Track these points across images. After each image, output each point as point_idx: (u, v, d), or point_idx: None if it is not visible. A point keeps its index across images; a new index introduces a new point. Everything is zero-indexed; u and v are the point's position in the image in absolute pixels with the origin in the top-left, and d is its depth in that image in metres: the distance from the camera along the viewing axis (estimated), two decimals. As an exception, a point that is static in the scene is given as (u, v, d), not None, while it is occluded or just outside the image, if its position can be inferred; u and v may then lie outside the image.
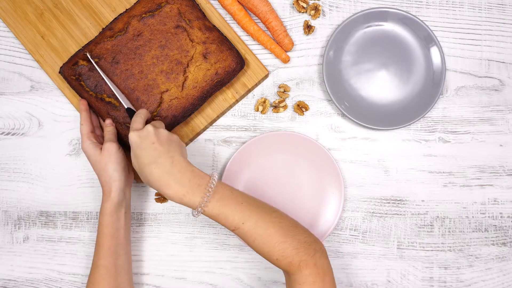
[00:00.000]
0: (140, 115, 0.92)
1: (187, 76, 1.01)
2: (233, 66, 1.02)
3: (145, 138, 0.87)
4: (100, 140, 1.00)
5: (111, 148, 0.96)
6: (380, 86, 1.07)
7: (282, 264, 0.86)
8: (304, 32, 1.08)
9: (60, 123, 1.07)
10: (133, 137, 0.87)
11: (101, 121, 1.03)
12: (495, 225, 1.06)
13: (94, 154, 0.96)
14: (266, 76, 1.08)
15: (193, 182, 0.85)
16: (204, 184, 0.86)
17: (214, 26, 1.03)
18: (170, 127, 1.02)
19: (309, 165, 1.06)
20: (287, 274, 0.87)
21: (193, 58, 1.01)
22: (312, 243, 0.87)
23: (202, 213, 0.85)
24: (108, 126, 0.99)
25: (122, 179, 0.96)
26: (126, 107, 0.96)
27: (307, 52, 1.08)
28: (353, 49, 1.07)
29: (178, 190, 0.84)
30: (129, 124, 1.00)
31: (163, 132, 0.89)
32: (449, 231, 1.06)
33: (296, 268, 0.85)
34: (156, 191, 1.06)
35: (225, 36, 1.03)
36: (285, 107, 1.07)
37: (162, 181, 0.84)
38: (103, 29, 1.03)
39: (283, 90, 1.07)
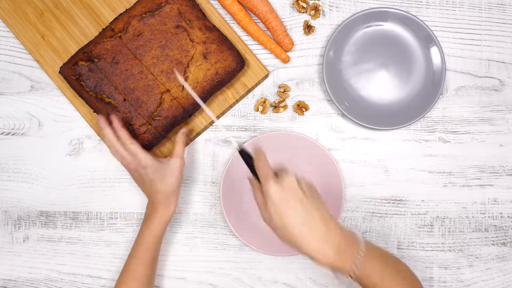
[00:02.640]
0: (266, 159, 0.80)
1: (187, 76, 1.01)
2: (233, 66, 1.02)
3: (291, 192, 0.77)
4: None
5: (182, 163, 0.97)
6: (380, 86, 1.07)
7: None
8: (304, 32, 1.08)
9: (60, 123, 1.07)
10: (277, 191, 0.77)
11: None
12: (495, 225, 1.06)
13: (159, 168, 0.96)
14: (266, 76, 1.08)
15: (343, 247, 0.78)
16: (355, 250, 0.79)
17: (214, 26, 1.03)
18: (170, 127, 1.02)
19: (309, 165, 1.06)
20: None
21: (193, 58, 1.01)
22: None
23: (353, 278, 0.79)
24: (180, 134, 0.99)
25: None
26: (239, 149, 0.84)
27: (307, 52, 1.08)
28: (353, 49, 1.07)
29: (331, 258, 0.77)
30: (128, 125, 1.00)
31: (305, 182, 0.79)
32: (449, 231, 1.06)
33: None
34: None
35: (225, 36, 1.03)
36: (285, 107, 1.07)
37: (315, 247, 0.77)
38: (103, 29, 1.03)
39: (283, 90, 1.07)
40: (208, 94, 1.02)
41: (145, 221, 0.99)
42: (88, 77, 1.01)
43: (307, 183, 0.80)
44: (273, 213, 0.78)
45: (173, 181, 0.96)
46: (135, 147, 0.95)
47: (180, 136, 0.99)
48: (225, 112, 1.07)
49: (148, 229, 0.97)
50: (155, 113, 1.00)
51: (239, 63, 1.02)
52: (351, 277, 0.79)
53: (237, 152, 1.04)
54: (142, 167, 0.95)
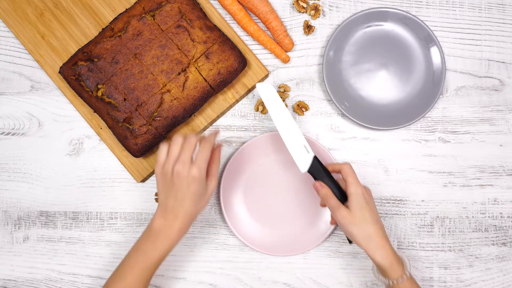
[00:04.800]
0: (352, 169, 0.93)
1: (188, 76, 1.01)
2: (235, 66, 1.02)
3: (371, 198, 0.92)
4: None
5: (216, 185, 0.93)
6: (380, 86, 1.07)
7: None
8: (304, 32, 1.08)
9: (60, 123, 1.07)
10: (362, 193, 0.90)
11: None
12: (495, 225, 1.06)
13: (201, 187, 0.89)
14: (266, 76, 1.08)
15: (396, 259, 0.90)
16: (402, 268, 0.90)
17: (215, 26, 1.03)
18: (170, 127, 1.02)
19: (309, 165, 1.06)
20: None
21: (195, 57, 1.01)
22: None
23: (395, 284, 0.89)
24: None
25: None
26: (313, 155, 0.94)
27: (307, 52, 1.08)
28: (353, 49, 1.07)
29: (391, 255, 0.89)
30: (128, 125, 1.00)
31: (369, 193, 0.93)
32: (449, 231, 1.06)
33: None
34: (155, 196, 1.06)
35: (226, 36, 1.03)
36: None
37: (380, 242, 0.89)
38: (103, 29, 1.03)
39: (283, 90, 1.07)
40: (209, 95, 1.02)
41: (152, 235, 0.90)
42: (88, 77, 1.00)
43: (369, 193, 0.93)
44: (357, 209, 0.90)
45: (204, 204, 0.90)
46: (206, 156, 0.88)
47: (217, 153, 0.92)
48: (225, 112, 1.07)
49: (154, 246, 0.89)
50: (155, 114, 1.00)
51: (241, 63, 1.02)
52: (393, 283, 0.90)
53: (237, 152, 1.04)
54: (192, 178, 0.87)
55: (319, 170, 0.93)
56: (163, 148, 0.90)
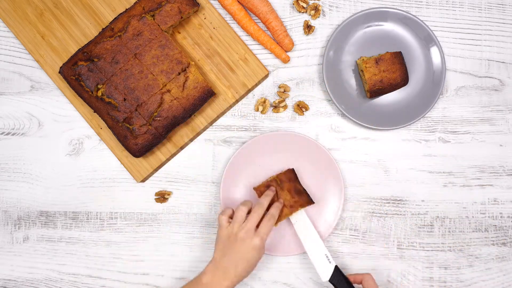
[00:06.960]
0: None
1: (188, 76, 1.01)
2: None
3: None
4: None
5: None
6: (380, 86, 1.07)
7: None
8: (304, 32, 1.08)
9: (60, 123, 1.07)
10: None
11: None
12: (495, 225, 1.06)
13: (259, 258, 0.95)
14: (266, 76, 1.08)
15: None
16: None
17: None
18: (170, 127, 1.02)
19: (309, 165, 1.06)
20: None
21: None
22: None
23: None
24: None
25: None
26: (334, 265, 0.97)
27: (307, 52, 1.08)
28: (353, 49, 1.07)
29: None
30: (128, 125, 1.00)
31: None
32: (449, 231, 1.06)
33: None
34: (156, 196, 1.06)
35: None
36: (285, 107, 1.07)
37: None
38: (103, 29, 1.03)
39: (283, 90, 1.07)
40: (209, 95, 1.02)
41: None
42: (88, 77, 1.00)
43: None
44: None
45: (253, 270, 0.95)
46: (270, 229, 0.94)
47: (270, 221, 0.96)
48: (225, 112, 1.07)
49: None
50: (155, 114, 1.00)
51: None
52: None
53: (237, 152, 1.04)
54: (253, 247, 0.92)
55: (341, 280, 0.96)
56: (223, 218, 0.95)
